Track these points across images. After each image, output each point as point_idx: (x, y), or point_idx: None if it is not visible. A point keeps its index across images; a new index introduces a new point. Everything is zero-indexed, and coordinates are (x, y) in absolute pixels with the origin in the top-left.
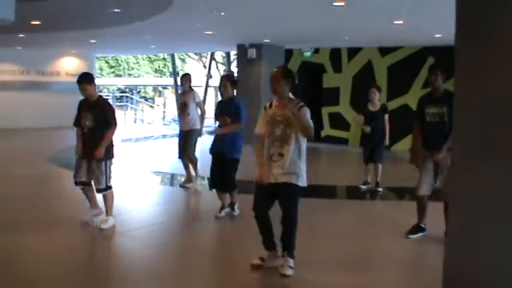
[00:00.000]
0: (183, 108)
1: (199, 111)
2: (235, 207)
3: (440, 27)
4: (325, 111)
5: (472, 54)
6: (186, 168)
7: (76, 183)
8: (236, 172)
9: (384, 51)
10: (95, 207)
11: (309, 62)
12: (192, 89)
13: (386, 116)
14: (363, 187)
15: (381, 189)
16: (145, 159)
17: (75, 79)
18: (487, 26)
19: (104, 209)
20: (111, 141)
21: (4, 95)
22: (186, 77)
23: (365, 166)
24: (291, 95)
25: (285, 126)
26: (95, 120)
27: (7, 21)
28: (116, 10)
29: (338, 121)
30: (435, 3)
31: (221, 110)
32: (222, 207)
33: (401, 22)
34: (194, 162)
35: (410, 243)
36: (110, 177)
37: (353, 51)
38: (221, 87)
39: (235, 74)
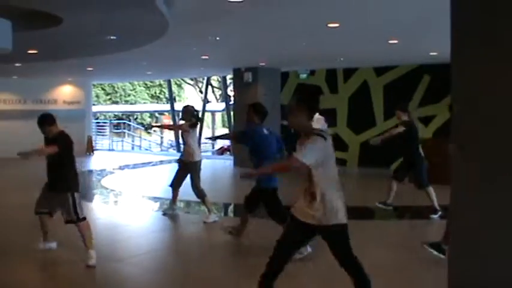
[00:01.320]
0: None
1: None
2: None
3: (435, 45)
4: None
5: (469, 71)
6: (174, 197)
7: (36, 213)
8: None
9: (380, 70)
10: (47, 240)
11: (305, 84)
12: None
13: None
14: (434, 216)
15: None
16: (143, 185)
17: (72, 107)
18: (483, 43)
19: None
20: (76, 174)
21: (1, 125)
22: (187, 108)
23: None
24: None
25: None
26: (57, 154)
27: (5, 50)
28: (112, 37)
29: (335, 142)
30: (429, 22)
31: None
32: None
33: (396, 41)
34: (203, 195)
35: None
36: (80, 208)
37: (349, 72)
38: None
39: (232, 98)
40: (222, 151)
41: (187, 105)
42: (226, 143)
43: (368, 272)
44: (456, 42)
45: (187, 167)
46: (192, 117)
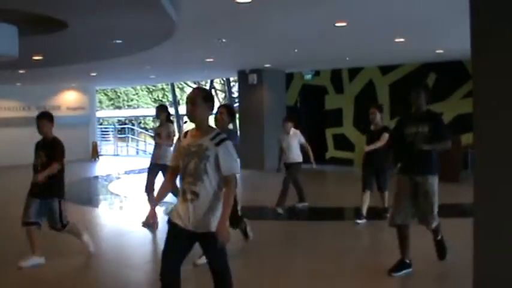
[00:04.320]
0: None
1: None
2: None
3: (441, 43)
4: (329, 132)
5: (490, 64)
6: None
7: (23, 224)
8: None
9: (385, 69)
10: (35, 253)
11: (310, 85)
12: (169, 121)
13: (386, 135)
14: (359, 222)
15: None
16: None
17: (76, 113)
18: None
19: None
20: (62, 180)
21: (5, 132)
22: (162, 108)
23: (362, 193)
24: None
25: (198, 159)
26: (47, 157)
27: (12, 56)
28: (118, 41)
29: (342, 142)
30: (436, 20)
31: None
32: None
33: (402, 40)
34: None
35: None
36: (65, 215)
37: (354, 72)
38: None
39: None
40: None
41: (162, 105)
42: None
43: None
44: (476, 42)
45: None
46: (167, 117)
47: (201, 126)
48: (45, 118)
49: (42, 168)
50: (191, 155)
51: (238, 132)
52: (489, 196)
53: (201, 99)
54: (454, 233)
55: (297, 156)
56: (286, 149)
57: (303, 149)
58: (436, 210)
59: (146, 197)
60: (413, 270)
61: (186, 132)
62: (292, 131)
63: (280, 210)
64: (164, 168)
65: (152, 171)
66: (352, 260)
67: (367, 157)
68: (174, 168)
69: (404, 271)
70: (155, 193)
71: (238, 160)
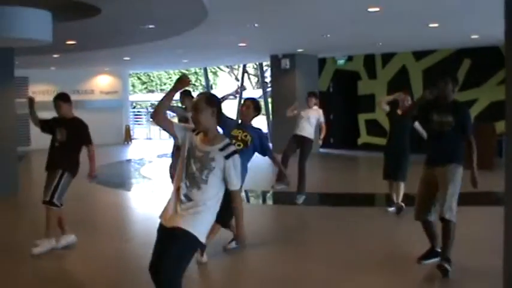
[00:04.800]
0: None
1: None
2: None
3: (476, 28)
4: (362, 118)
5: None
6: None
7: (45, 202)
8: None
9: (419, 55)
10: (64, 233)
11: (343, 70)
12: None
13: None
14: (390, 209)
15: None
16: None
17: (110, 97)
18: None
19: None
20: (77, 159)
21: (40, 115)
22: (186, 94)
23: (389, 182)
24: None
25: (201, 166)
26: (68, 137)
27: (45, 42)
28: (150, 26)
29: (375, 128)
30: (471, 4)
31: None
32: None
33: (436, 25)
34: None
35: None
36: (60, 194)
37: (387, 57)
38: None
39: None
40: None
41: (186, 90)
42: None
43: None
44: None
45: None
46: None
47: (208, 133)
48: (59, 99)
49: (61, 145)
50: (195, 158)
51: (271, 117)
52: None
53: (204, 104)
54: (485, 221)
55: (309, 133)
56: (304, 121)
57: (319, 129)
58: (454, 202)
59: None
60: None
61: (198, 132)
62: (315, 107)
63: (278, 186)
64: None
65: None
66: (383, 249)
67: (389, 143)
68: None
69: (434, 259)
70: None
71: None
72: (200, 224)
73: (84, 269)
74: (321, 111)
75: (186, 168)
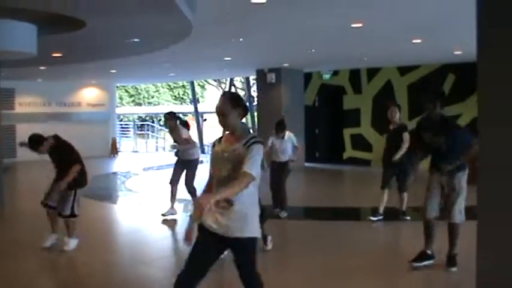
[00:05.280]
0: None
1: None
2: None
3: (459, 44)
4: (347, 132)
5: (496, 71)
6: (173, 196)
7: (44, 205)
8: None
9: (403, 70)
10: (55, 232)
11: (329, 85)
12: (177, 125)
13: (407, 135)
14: (374, 219)
15: (408, 217)
16: (167, 186)
17: (96, 109)
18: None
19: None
20: (83, 170)
21: (27, 127)
22: (170, 115)
23: (380, 191)
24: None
25: (232, 165)
26: (60, 161)
27: (30, 54)
28: (135, 40)
29: (360, 142)
30: (453, 21)
31: None
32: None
33: (419, 41)
34: (194, 192)
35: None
36: (76, 205)
37: (372, 72)
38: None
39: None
40: None
41: (168, 113)
42: None
43: None
44: (482, 41)
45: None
46: (176, 121)
47: (235, 132)
48: (37, 143)
49: (59, 171)
50: (224, 161)
51: (257, 130)
52: (493, 202)
53: (229, 107)
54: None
55: (287, 156)
56: (279, 153)
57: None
58: (462, 207)
59: (170, 189)
60: (434, 262)
61: (220, 138)
62: (287, 134)
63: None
64: (192, 164)
65: (178, 167)
66: (368, 258)
67: (388, 156)
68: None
69: (425, 262)
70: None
71: (259, 167)
72: (250, 223)
73: (69, 277)
74: (291, 134)
75: (219, 174)
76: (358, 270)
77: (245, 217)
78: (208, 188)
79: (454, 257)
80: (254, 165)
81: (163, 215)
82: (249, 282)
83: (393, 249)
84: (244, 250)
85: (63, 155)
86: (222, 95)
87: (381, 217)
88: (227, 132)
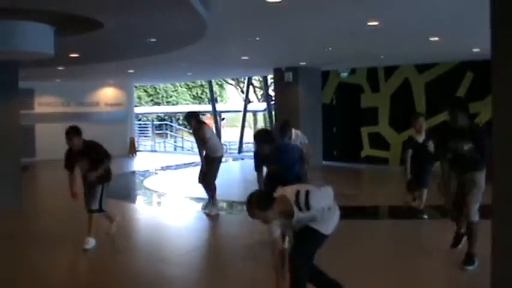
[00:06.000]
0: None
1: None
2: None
3: (477, 42)
4: (364, 131)
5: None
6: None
7: (89, 210)
8: None
9: (421, 68)
10: (90, 235)
11: (346, 83)
12: (202, 124)
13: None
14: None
15: (426, 216)
16: (185, 186)
17: (114, 109)
18: None
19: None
20: (106, 169)
21: (46, 127)
22: (189, 116)
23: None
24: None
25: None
26: (90, 163)
27: (47, 54)
28: (152, 40)
29: (377, 141)
30: (471, 18)
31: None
32: None
33: (436, 39)
34: (213, 189)
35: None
36: (104, 200)
37: (390, 70)
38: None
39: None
40: None
41: (188, 113)
42: None
43: None
44: (497, 40)
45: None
46: (197, 122)
47: (282, 214)
48: (74, 134)
49: (90, 172)
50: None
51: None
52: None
53: (263, 212)
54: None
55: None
56: None
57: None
58: (476, 206)
59: (203, 187)
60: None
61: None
62: (294, 133)
63: None
64: (214, 160)
65: (204, 164)
66: (384, 256)
67: (413, 166)
68: None
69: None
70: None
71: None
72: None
73: (89, 275)
74: (299, 132)
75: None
76: (374, 268)
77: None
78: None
79: (473, 256)
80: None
81: (207, 214)
82: (291, 264)
83: (410, 247)
84: (304, 234)
85: (98, 151)
86: (247, 204)
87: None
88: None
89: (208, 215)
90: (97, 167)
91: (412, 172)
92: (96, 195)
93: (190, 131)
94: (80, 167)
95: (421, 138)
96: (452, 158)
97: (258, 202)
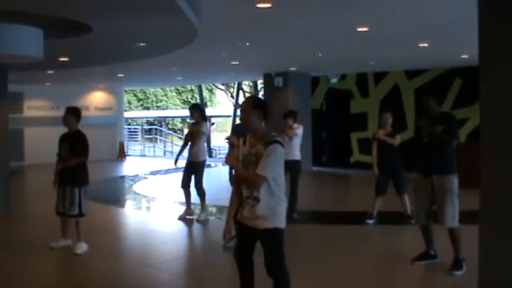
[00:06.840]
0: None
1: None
2: None
3: (466, 48)
4: (354, 136)
5: (497, 74)
6: (187, 199)
7: (57, 214)
8: None
9: (411, 74)
10: (66, 238)
11: (336, 89)
12: (203, 119)
13: (398, 137)
14: (370, 222)
15: (413, 221)
16: (175, 191)
17: (104, 113)
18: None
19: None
20: (85, 168)
21: (35, 131)
22: (195, 107)
23: (375, 197)
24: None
25: (254, 165)
26: (70, 150)
27: (36, 58)
28: (142, 44)
29: (367, 146)
30: (460, 25)
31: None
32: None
33: (426, 45)
34: (203, 194)
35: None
36: (83, 204)
37: (379, 76)
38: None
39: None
40: None
41: (195, 104)
42: None
43: None
44: (484, 45)
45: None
46: (201, 115)
47: (256, 133)
48: (69, 112)
49: (65, 159)
50: (249, 162)
51: None
52: (495, 204)
53: (250, 107)
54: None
55: (299, 153)
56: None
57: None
58: (455, 211)
59: (183, 192)
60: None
61: (245, 139)
62: (296, 126)
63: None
64: (199, 166)
65: (188, 169)
66: (373, 260)
67: (380, 161)
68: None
69: (427, 261)
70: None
71: (275, 166)
72: (276, 216)
73: (78, 280)
74: (301, 126)
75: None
76: (363, 273)
77: (271, 211)
78: (237, 191)
79: (460, 261)
80: (267, 165)
81: (179, 218)
82: (275, 273)
83: (398, 252)
84: (271, 240)
85: (80, 146)
86: (247, 97)
87: (373, 219)
88: (250, 135)
89: (197, 220)
90: (75, 156)
91: (382, 171)
92: (74, 200)
93: (181, 135)
94: (61, 152)
95: (384, 133)
96: (421, 152)
97: (256, 98)
